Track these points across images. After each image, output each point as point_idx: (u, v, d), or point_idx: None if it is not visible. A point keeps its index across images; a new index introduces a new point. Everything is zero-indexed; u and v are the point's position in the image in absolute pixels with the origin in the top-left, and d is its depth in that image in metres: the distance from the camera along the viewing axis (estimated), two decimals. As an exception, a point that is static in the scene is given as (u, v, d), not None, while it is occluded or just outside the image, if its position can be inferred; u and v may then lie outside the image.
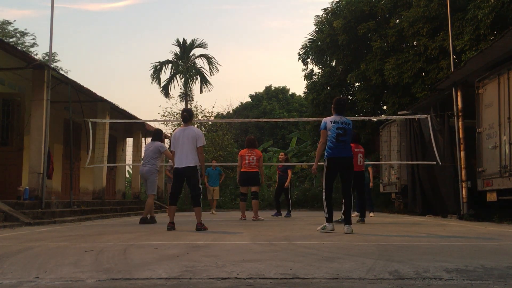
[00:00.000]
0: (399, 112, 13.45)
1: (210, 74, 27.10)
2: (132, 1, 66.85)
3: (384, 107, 18.50)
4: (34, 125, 9.87)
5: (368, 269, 3.06)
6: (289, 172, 11.81)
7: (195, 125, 21.52)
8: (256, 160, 9.95)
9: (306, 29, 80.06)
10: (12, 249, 4.46)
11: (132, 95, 63.50)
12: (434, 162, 10.47)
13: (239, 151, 11.22)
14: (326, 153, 6.25)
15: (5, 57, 9.60)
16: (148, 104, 68.97)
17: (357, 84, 19.21)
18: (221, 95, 62.48)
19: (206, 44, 27.28)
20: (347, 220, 6.18)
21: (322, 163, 6.44)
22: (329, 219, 6.25)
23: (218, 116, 31.84)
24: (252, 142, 10.21)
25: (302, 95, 26.71)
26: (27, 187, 9.63)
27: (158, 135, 9.19)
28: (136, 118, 15.30)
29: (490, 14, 11.74)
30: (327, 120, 6.35)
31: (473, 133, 9.34)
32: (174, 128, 23.55)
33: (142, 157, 9.62)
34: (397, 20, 16.55)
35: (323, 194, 6.32)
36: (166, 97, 26.51)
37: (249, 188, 10.15)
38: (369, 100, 17.34)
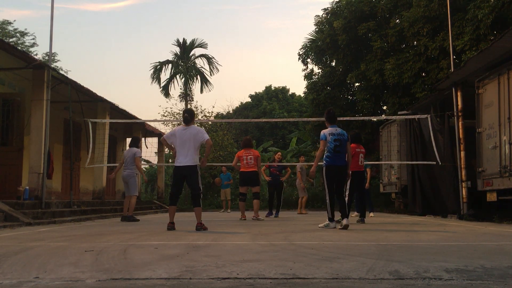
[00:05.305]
0: (399, 112, 13.45)
1: (210, 74, 27.14)
2: (132, 1, 66.88)
3: (384, 107, 18.50)
4: (34, 125, 9.87)
5: (368, 269, 3.06)
6: (289, 170, 12.07)
7: (195, 125, 21.49)
8: (254, 159, 9.92)
9: (306, 29, 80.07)
10: (12, 249, 4.46)
11: (132, 95, 63.53)
12: (434, 162, 10.47)
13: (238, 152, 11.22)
14: (324, 161, 7.12)
15: (5, 57, 9.60)
16: (148, 104, 69.01)
17: (357, 84, 19.21)
18: (221, 95, 62.48)
19: (206, 44, 27.31)
20: (343, 215, 7.01)
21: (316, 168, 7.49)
22: (332, 219, 7.09)
23: (218, 116, 31.84)
24: (248, 142, 10.23)
25: (302, 95, 26.71)
26: (27, 187, 9.63)
27: (134, 141, 10.14)
28: (136, 118, 15.30)
29: (490, 14, 11.74)
30: (326, 132, 7.10)
31: (473, 133, 9.34)
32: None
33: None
34: (397, 20, 16.55)
35: (327, 198, 7.10)
36: (166, 97, 26.55)
37: (248, 188, 10.15)
38: (369, 100, 17.34)
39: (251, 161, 9.86)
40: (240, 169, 10.02)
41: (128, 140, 17.99)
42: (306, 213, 13.58)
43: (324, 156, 7.12)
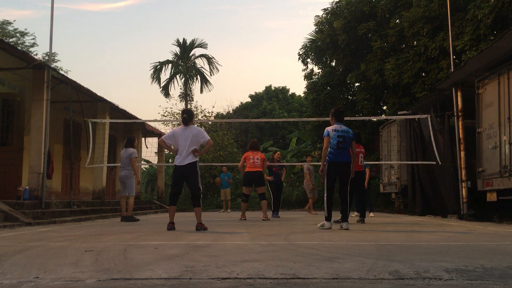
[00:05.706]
0: (399, 112, 13.44)
1: (210, 74, 27.19)
2: (132, 1, 66.89)
3: (384, 107, 18.50)
4: (34, 125, 9.87)
5: (368, 269, 3.06)
6: (284, 169, 12.30)
7: (195, 125, 21.52)
8: (261, 160, 9.96)
9: (306, 29, 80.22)
10: (12, 249, 4.46)
11: (132, 95, 63.56)
12: (434, 162, 10.46)
13: (240, 152, 11.24)
14: (327, 158, 6.96)
15: (5, 57, 9.60)
16: (148, 104, 69.02)
17: (357, 84, 19.21)
18: (221, 95, 62.56)
19: (206, 44, 27.35)
20: (344, 218, 6.87)
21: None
22: (328, 218, 6.89)
23: (218, 116, 31.85)
24: (255, 145, 10.26)
25: (302, 95, 26.71)
26: (27, 187, 9.64)
27: (130, 141, 9.94)
28: (136, 118, 15.29)
29: (490, 14, 11.74)
30: (329, 129, 6.96)
31: (473, 133, 9.34)
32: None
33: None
34: (397, 20, 16.55)
35: (325, 195, 6.92)
36: (166, 97, 26.58)
37: (251, 189, 10.19)
38: (369, 100, 17.34)
39: (258, 161, 9.89)
40: (246, 169, 10.01)
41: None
42: (316, 213, 13.49)
43: (328, 153, 6.97)
